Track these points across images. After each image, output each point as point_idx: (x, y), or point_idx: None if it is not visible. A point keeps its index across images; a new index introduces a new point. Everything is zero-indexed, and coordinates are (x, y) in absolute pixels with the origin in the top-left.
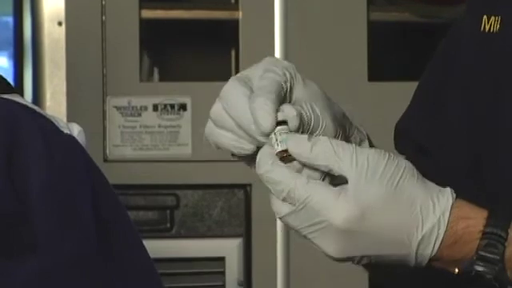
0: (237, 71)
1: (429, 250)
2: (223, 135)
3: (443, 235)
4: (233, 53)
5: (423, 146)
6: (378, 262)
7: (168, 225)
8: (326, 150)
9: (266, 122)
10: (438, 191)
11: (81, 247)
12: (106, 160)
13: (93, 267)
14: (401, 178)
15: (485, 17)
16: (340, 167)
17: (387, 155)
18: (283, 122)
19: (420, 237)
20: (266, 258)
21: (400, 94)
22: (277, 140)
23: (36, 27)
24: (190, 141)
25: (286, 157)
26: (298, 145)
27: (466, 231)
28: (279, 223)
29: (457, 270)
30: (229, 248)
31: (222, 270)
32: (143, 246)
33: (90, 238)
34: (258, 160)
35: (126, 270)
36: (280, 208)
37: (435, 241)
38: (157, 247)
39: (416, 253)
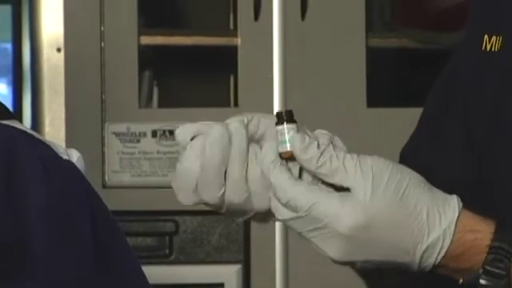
0: (235, 97)
1: (432, 259)
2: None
3: (448, 246)
4: (231, 79)
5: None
6: (379, 267)
7: (167, 251)
8: (332, 161)
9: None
10: (445, 200)
11: (80, 270)
12: (104, 186)
13: None
14: (407, 186)
15: (486, 36)
16: (344, 178)
17: (390, 164)
18: (290, 120)
19: (425, 247)
20: (265, 283)
21: (399, 120)
22: (280, 140)
23: (35, 53)
24: None
25: (288, 156)
26: (306, 152)
27: (473, 244)
28: (278, 249)
29: (461, 281)
30: (228, 274)
31: None
32: (142, 272)
33: (89, 261)
34: (262, 157)
35: None
36: (282, 212)
37: (439, 251)
38: (156, 273)
39: (419, 261)
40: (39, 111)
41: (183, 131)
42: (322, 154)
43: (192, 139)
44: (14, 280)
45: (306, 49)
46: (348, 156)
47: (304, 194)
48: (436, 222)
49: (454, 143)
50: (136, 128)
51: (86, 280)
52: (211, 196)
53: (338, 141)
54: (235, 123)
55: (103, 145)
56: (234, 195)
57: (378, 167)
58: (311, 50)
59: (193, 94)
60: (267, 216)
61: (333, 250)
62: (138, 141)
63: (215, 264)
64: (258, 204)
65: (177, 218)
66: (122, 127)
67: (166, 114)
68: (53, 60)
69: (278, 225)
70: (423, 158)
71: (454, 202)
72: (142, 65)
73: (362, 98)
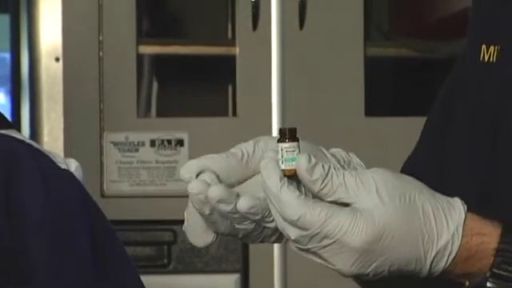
0: (234, 106)
1: (442, 264)
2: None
3: (457, 250)
4: (230, 88)
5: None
6: (387, 276)
7: (165, 260)
8: (333, 180)
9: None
10: (449, 203)
11: (79, 279)
12: (103, 195)
13: None
14: (410, 193)
15: (484, 46)
16: (346, 195)
17: (390, 173)
18: (293, 138)
19: (435, 252)
20: None
21: (397, 129)
22: (283, 157)
23: (33, 63)
24: None
25: (291, 174)
26: (312, 173)
27: (480, 248)
28: (276, 259)
29: (467, 284)
30: (226, 283)
31: None
32: (140, 281)
33: (87, 270)
34: (265, 177)
35: None
36: (290, 231)
37: (449, 255)
38: (154, 283)
39: (429, 267)
40: (38, 121)
41: (188, 169)
42: (326, 174)
43: (198, 175)
44: (13, 286)
45: (305, 58)
46: (347, 173)
47: (315, 211)
48: (444, 227)
49: (458, 154)
50: (134, 137)
51: (83, 286)
52: (224, 226)
53: (353, 156)
54: (214, 190)
55: (102, 154)
56: (241, 226)
57: (378, 178)
58: (309, 59)
59: (191, 103)
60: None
61: (343, 263)
62: (137, 150)
63: (214, 273)
64: (269, 224)
65: (175, 227)
66: (120, 136)
67: (165, 123)
68: (51, 69)
69: None
70: (427, 169)
71: (458, 204)
72: (142, 74)
73: (360, 107)
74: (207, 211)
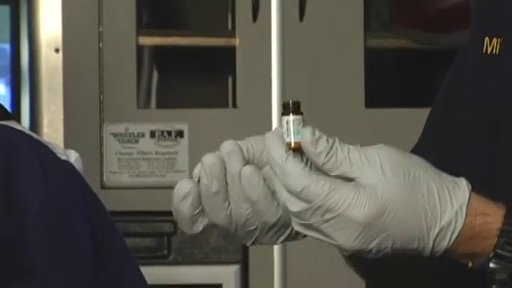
0: (234, 98)
1: (445, 242)
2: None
3: (460, 229)
4: (230, 79)
5: None
6: (390, 255)
7: (165, 251)
8: (337, 154)
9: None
10: (454, 183)
11: (78, 271)
12: (103, 187)
13: None
14: (416, 170)
15: (487, 38)
16: (350, 170)
17: (395, 150)
18: (297, 111)
19: (438, 229)
20: (264, 284)
21: (397, 121)
22: (288, 130)
23: (33, 54)
24: (187, 167)
25: (296, 147)
26: (316, 146)
27: (484, 228)
28: (276, 250)
29: (470, 264)
30: (226, 274)
31: None
32: (140, 272)
33: (87, 261)
34: (270, 148)
35: None
36: (293, 203)
37: (452, 234)
38: (154, 274)
39: (432, 245)
40: (37, 112)
41: (181, 187)
42: (331, 148)
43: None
44: (13, 281)
45: (305, 50)
46: (352, 148)
47: (319, 183)
48: (448, 204)
49: (459, 148)
50: (134, 128)
51: (84, 280)
52: (218, 217)
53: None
54: (228, 145)
55: (101, 145)
56: (237, 213)
57: (383, 154)
58: (309, 50)
59: (191, 94)
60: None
61: (345, 238)
62: (137, 141)
63: (213, 264)
64: (266, 216)
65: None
66: (120, 128)
67: (165, 114)
68: (51, 61)
69: None
70: (431, 160)
71: (463, 184)
72: (142, 65)
73: (360, 98)
74: (215, 188)
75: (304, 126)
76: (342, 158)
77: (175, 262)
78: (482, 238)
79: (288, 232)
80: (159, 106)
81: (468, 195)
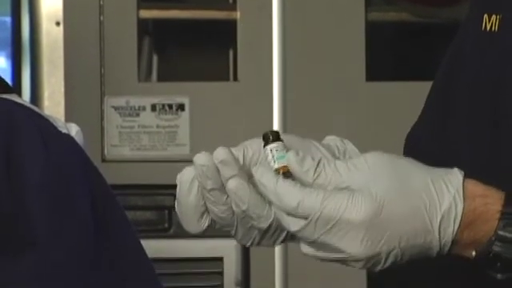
0: (235, 71)
1: (450, 229)
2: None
3: (462, 212)
4: (231, 53)
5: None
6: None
7: (166, 225)
8: (326, 169)
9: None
10: (446, 171)
11: (79, 243)
12: (104, 160)
13: (90, 264)
14: (407, 167)
15: (486, 15)
16: (341, 181)
17: (384, 153)
18: (277, 139)
19: (440, 216)
20: (264, 258)
21: (398, 94)
22: (273, 157)
23: (34, 27)
24: (188, 141)
25: (284, 171)
26: (302, 164)
27: (484, 209)
28: None
29: (474, 253)
30: (227, 248)
31: (220, 270)
32: (141, 246)
33: (88, 234)
34: (259, 177)
35: (123, 269)
36: (293, 222)
37: (455, 219)
38: (155, 247)
39: (439, 235)
40: (38, 85)
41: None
42: (318, 164)
43: None
44: (14, 253)
45: (306, 23)
46: (338, 161)
47: (312, 195)
48: (444, 191)
49: (458, 128)
50: (135, 102)
51: (84, 253)
52: (219, 210)
53: (348, 143)
54: (221, 154)
55: (102, 119)
56: (236, 205)
57: (370, 157)
58: (310, 24)
59: (192, 67)
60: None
61: (353, 245)
62: (138, 115)
63: (214, 238)
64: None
65: (176, 192)
66: (121, 101)
67: (166, 87)
68: (52, 34)
69: None
70: (428, 142)
71: (455, 170)
72: (142, 38)
73: (361, 71)
74: (210, 186)
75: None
76: (331, 172)
77: (176, 236)
78: (483, 220)
79: (284, 235)
80: (160, 79)
81: (462, 179)
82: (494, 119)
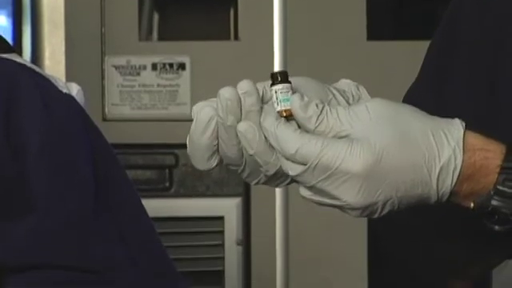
0: (236, 30)
1: (448, 181)
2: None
3: (461, 165)
4: (232, 12)
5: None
6: (399, 208)
7: (167, 184)
8: (328, 117)
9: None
10: (447, 122)
11: (80, 203)
12: (104, 119)
13: (91, 226)
14: (407, 115)
15: None
16: (341, 129)
17: (385, 100)
18: (285, 80)
19: (439, 168)
20: (265, 217)
21: (399, 53)
22: (277, 99)
23: None
24: (188, 100)
25: (287, 115)
26: (306, 110)
27: (484, 163)
28: None
29: (472, 205)
30: (228, 207)
31: (220, 229)
32: (142, 206)
33: (89, 194)
34: (262, 119)
35: (124, 229)
36: (292, 167)
37: (454, 171)
38: (155, 206)
39: (437, 187)
40: (39, 44)
41: (205, 112)
42: (321, 111)
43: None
44: (14, 214)
45: None
46: (340, 108)
47: (311, 142)
48: (444, 142)
49: (457, 91)
50: (136, 61)
51: (85, 213)
52: (230, 150)
53: (362, 90)
54: (245, 85)
55: (103, 78)
56: (244, 149)
57: (372, 106)
58: None
59: (193, 26)
60: (277, 180)
61: (350, 194)
62: (138, 74)
63: (215, 197)
64: (266, 168)
65: (177, 151)
66: (121, 60)
67: (167, 46)
68: None
69: None
70: (425, 105)
71: (456, 122)
72: None
73: (361, 30)
74: (230, 121)
75: (293, 93)
76: (333, 119)
77: (177, 195)
78: (483, 174)
79: (289, 179)
80: (161, 38)
81: (462, 131)
82: (493, 82)
